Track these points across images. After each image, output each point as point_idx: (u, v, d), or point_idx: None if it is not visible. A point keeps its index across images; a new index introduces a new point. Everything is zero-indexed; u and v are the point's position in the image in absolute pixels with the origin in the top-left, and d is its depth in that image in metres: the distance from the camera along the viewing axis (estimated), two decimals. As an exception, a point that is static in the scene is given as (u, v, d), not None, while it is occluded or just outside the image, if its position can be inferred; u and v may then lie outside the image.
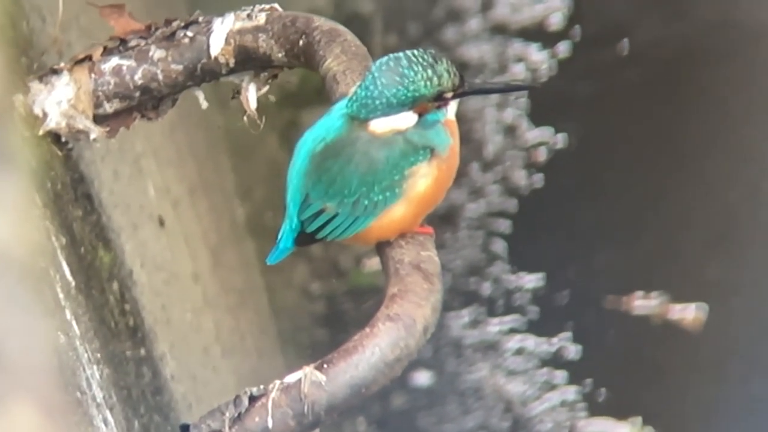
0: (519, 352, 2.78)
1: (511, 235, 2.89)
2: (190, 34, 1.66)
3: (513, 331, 2.80)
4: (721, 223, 2.87)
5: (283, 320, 2.76)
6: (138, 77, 1.65)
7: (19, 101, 1.60)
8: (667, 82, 3.04)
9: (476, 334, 2.80)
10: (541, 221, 2.90)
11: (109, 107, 1.65)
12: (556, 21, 3.13)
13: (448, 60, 1.51)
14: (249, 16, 1.66)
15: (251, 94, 1.67)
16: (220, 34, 1.65)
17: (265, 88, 1.68)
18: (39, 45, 1.68)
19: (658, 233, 2.88)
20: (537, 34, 3.12)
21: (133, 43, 1.67)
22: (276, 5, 1.68)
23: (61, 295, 1.51)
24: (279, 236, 1.55)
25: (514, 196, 2.95)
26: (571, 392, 2.73)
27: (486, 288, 2.85)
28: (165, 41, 1.66)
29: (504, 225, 2.91)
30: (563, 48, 3.10)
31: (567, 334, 2.78)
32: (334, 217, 1.52)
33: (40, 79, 1.63)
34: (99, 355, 1.54)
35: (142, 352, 1.73)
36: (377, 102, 1.49)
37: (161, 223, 2.06)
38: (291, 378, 1.43)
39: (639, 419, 2.67)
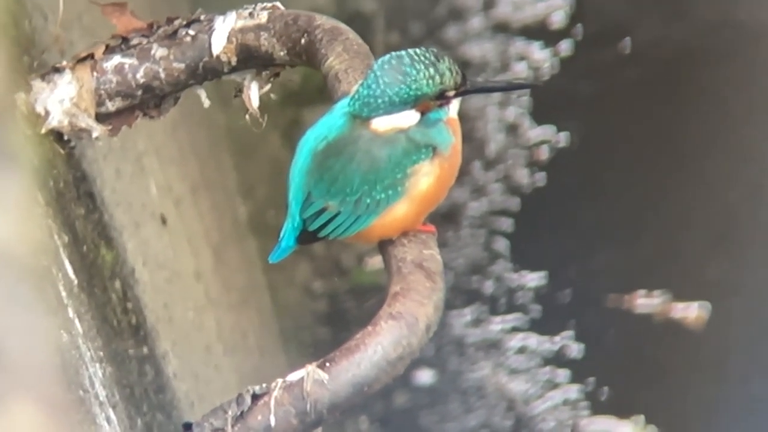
0: (521, 350, 2.78)
1: (514, 234, 2.89)
2: (192, 32, 1.66)
3: (515, 329, 2.80)
4: (722, 223, 2.87)
5: (285, 318, 2.76)
6: (140, 76, 1.65)
7: (21, 100, 1.60)
8: (669, 81, 3.04)
9: (478, 332, 2.80)
10: (543, 220, 2.90)
11: (111, 105, 1.66)
12: (558, 19, 3.13)
13: (450, 58, 1.51)
14: (251, 14, 1.66)
15: (253, 93, 1.67)
16: (222, 33, 1.65)
17: (267, 87, 1.68)
18: (41, 43, 1.68)
19: (660, 232, 2.88)
20: (539, 32, 3.11)
21: (135, 41, 1.67)
22: (278, 3, 1.68)
23: (63, 294, 1.51)
24: (281, 235, 1.55)
25: (516, 194, 2.95)
26: (573, 391, 2.73)
27: (488, 286, 2.85)
28: (167, 40, 1.66)
29: (506, 223, 2.91)
30: (565, 46, 3.09)
31: (569, 333, 2.78)
32: (336, 215, 1.51)
33: (43, 77, 1.63)
34: (101, 353, 1.54)
35: (145, 350, 1.73)
36: (379, 100, 1.49)
37: (163, 221, 2.06)
38: (293, 376, 1.43)
39: (641, 418, 2.67)
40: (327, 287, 2.84)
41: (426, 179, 1.51)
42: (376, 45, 2.99)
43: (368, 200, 1.50)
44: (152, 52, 1.66)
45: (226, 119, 2.76)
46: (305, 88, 2.91)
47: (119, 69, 1.65)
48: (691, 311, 2.75)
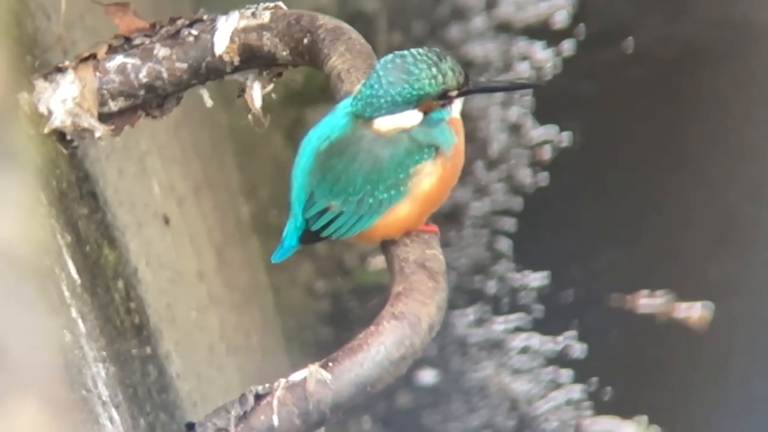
0: (524, 350, 2.78)
1: (516, 234, 2.89)
2: (194, 32, 1.66)
3: (518, 329, 2.80)
4: (725, 222, 2.87)
5: (288, 318, 2.76)
6: (143, 75, 1.65)
7: (24, 99, 1.60)
8: (671, 81, 3.04)
9: (481, 332, 2.80)
10: (546, 220, 2.90)
11: (113, 105, 1.66)
12: (560, 19, 3.13)
13: (452, 58, 1.51)
14: (253, 14, 1.66)
15: (256, 93, 1.67)
16: (225, 33, 1.65)
17: (270, 87, 1.68)
18: (44, 43, 1.69)
19: (662, 232, 2.87)
20: (541, 32, 3.11)
21: (137, 41, 1.67)
22: (281, 3, 1.68)
23: (66, 294, 1.51)
24: (283, 234, 1.54)
25: (518, 194, 2.95)
26: (576, 391, 2.73)
27: (491, 286, 2.85)
28: (169, 39, 1.66)
29: (509, 223, 2.91)
30: (568, 46, 3.09)
31: (572, 333, 2.77)
32: (338, 215, 1.51)
33: (45, 77, 1.63)
34: (104, 353, 1.54)
35: (148, 350, 1.73)
36: (382, 100, 1.49)
37: (166, 221, 2.06)
38: (296, 376, 1.43)
39: (644, 418, 2.67)
40: (330, 287, 2.83)
41: (428, 179, 1.50)
42: (379, 45, 2.99)
43: (371, 200, 1.50)
44: (155, 51, 1.66)
45: (228, 119, 2.76)
46: (308, 88, 2.91)
47: (122, 69, 1.65)
48: (694, 311, 2.75)
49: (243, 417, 1.42)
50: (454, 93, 1.51)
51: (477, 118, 3.01)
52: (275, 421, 1.41)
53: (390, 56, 1.50)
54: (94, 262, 1.63)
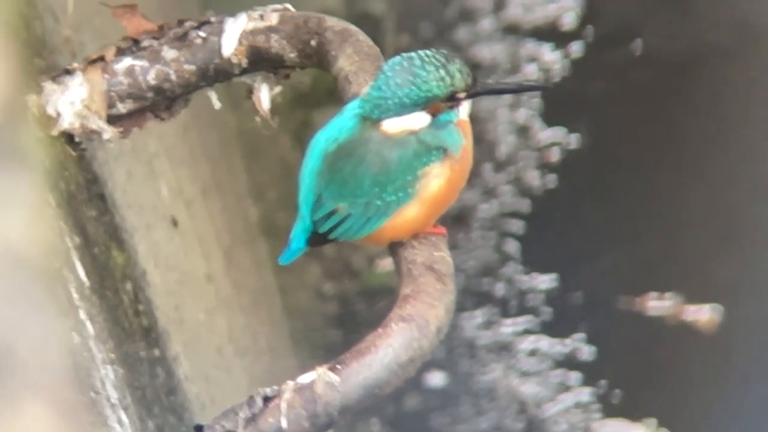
0: (533, 353, 2.77)
1: (524, 236, 2.89)
2: (202, 34, 1.66)
3: (526, 332, 2.80)
4: (733, 225, 2.86)
5: (295, 320, 2.76)
6: (151, 77, 1.66)
7: (32, 101, 1.60)
8: (680, 82, 3.03)
9: (489, 334, 2.80)
10: (554, 222, 2.89)
11: (122, 107, 1.66)
12: (568, 21, 3.12)
13: (460, 60, 1.50)
14: (261, 16, 1.66)
15: (264, 95, 1.67)
16: (233, 35, 1.65)
17: (278, 89, 1.68)
18: (52, 45, 1.69)
19: (670, 234, 2.87)
20: (550, 34, 3.11)
21: (145, 43, 1.67)
22: (288, 5, 1.68)
23: (75, 296, 1.51)
24: (291, 236, 1.54)
25: (526, 196, 2.94)
26: (585, 393, 2.72)
27: (499, 289, 2.84)
28: (177, 41, 1.66)
29: (517, 225, 2.91)
30: (576, 48, 3.09)
31: (581, 335, 2.77)
32: (346, 217, 1.51)
33: (54, 79, 1.63)
34: (113, 355, 1.54)
35: (156, 352, 1.73)
36: (390, 102, 1.49)
37: (174, 223, 2.06)
38: (304, 379, 1.43)
39: (654, 421, 2.66)
40: (337, 289, 2.83)
41: (436, 181, 1.50)
42: (387, 46, 2.99)
43: (379, 202, 1.50)
44: (163, 54, 1.66)
45: (236, 121, 2.76)
46: (315, 89, 2.91)
47: (130, 71, 1.65)
48: (703, 314, 2.74)
49: (251, 419, 1.42)
50: (462, 95, 1.51)
51: (485, 120, 3.01)
52: (283, 424, 1.41)
53: (398, 58, 1.50)
54: (102, 265, 1.63)
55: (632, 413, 2.68)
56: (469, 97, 1.52)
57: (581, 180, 2.96)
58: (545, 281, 2.84)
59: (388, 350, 1.42)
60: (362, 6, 3.09)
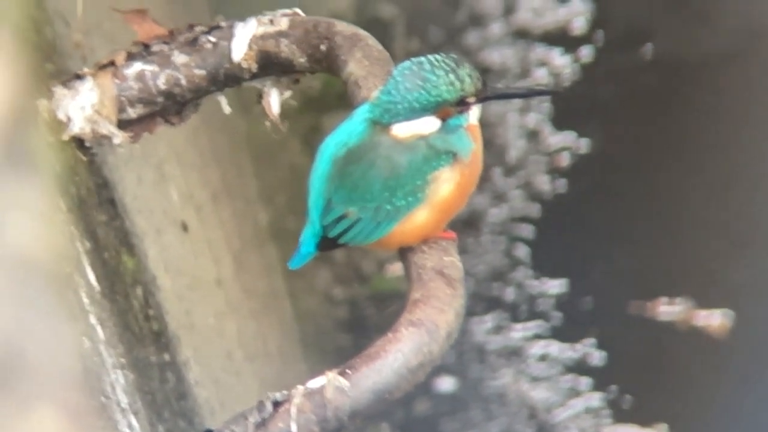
0: (543, 358, 2.76)
1: (534, 241, 2.88)
2: (212, 39, 1.67)
3: (537, 336, 2.79)
4: (744, 229, 2.85)
5: (305, 325, 2.76)
6: (161, 82, 1.66)
7: (43, 106, 1.61)
8: (690, 87, 3.02)
9: (500, 339, 2.79)
10: (564, 226, 2.89)
11: (132, 112, 1.66)
12: (578, 25, 3.12)
13: (470, 64, 1.50)
14: (271, 21, 1.66)
15: (273, 100, 1.67)
16: (243, 40, 1.66)
17: (288, 93, 1.68)
18: (63, 50, 1.69)
19: (681, 238, 2.86)
20: (560, 38, 3.10)
21: (156, 48, 1.67)
22: (298, 10, 1.68)
23: (85, 300, 1.51)
24: (301, 241, 1.54)
25: (536, 201, 2.94)
26: (595, 399, 2.71)
27: (509, 293, 2.84)
28: (188, 46, 1.67)
29: (527, 230, 2.90)
30: (586, 52, 3.08)
31: (591, 340, 2.76)
32: (356, 222, 1.51)
33: (64, 84, 1.64)
34: (123, 360, 1.55)
35: (166, 357, 1.73)
36: (399, 107, 1.49)
37: (184, 228, 2.07)
38: (314, 383, 1.42)
39: (664, 426, 2.65)
40: (347, 294, 2.83)
41: (446, 186, 1.50)
42: (396, 51, 2.99)
43: (388, 207, 1.50)
44: (173, 58, 1.66)
45: (246, 126, 2.76)
46: (325, 94, 2.91)
47: (140, 76, 1.66)
48: (714, 319, 2.73)
49: (261, 424, 1.42)
50: (471, 99, 1.51)
51: (495, 125, 3.01)
52: (293, 429, 1.41)
53: (407, 62, 1.50)
54: (113, 269, 1.63)
55: (643, 419, 2.67)
56: (478, 101, 1.52)
57: (591, 184, 2.95)
58: (555, 286, 2.83)
59: (398, 355, 1.42)
60: (372, 10, 3.10)
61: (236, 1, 2.37)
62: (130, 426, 1.50)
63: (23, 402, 1.26)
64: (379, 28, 2.97)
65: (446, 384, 2.74)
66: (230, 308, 2.24)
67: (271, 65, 1.66)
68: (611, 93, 3.03)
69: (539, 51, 3.10)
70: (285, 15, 1.67)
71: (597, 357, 2.75)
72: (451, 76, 1.49)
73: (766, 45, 3.04)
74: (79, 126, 1.63)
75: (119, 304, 1.61)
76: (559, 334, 2.78)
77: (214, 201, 2.33)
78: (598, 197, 2.92)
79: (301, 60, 1.65)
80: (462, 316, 1.46)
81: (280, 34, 1.65)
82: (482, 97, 1.51)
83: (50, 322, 1.32)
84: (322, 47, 1.64)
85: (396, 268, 2.81)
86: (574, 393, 2.72)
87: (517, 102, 3.01)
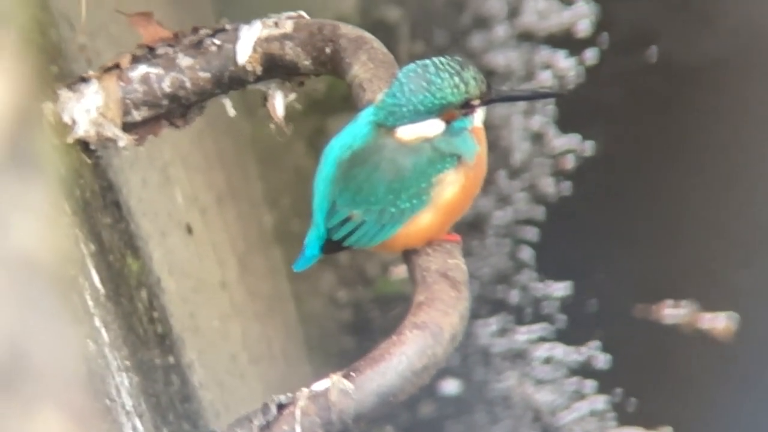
0: (547, 360, 2.76)
1: (539, 243, 2.88)
2: (217, 41, 1.67)
3: (541, 339, 2.79)
4: (749, 232, 2.84)
5: (310, 327, 2.76)
6: (166, 85, 1.66)
7: (48, 109, 1.61)
8: (695, 90, 3.02)
9: (504, 342, 2.79)
10: (568, 229, 2.89)
11: (137, 115, 1.66)
12: (583, 28, 3.12)
13: (474, 67, 1.50)
14: (276, 23, 1.66)
15: (278, 102, 1.68)
16: (247, 42, 1.66)
17: (292, 96, 1.68)
18: (68, 53, 1.70)
19: (686, 241, 2.85)
20: (564, 41, 3.10)
21: (160, 51, 1.67)
22: (303, 13, 1.68)
23: (90, 303, 1.51)
24: (305, 243, 1.54)
25: (541, 203, 2.94)
26: (600, 402, 2.71)
27: (514, 296, 2.84)
28: (192, 49, 1.67)
29: (531, 233, 2.90)
30: (591, 55, 3.08)
31: (596, 343, 2.76)
32: (360, 224, 1.51)
33: (69, 86, 1.64)
34: (128, 362, 1.55)
35: (171, 359, 1.73)
36: (404, 109, 1.49)
37: (189, 230, 2.07)
38: (318, 386, 1.42)
39: (669, 429, 2.65)
40: (352, 296, 2.83)
41: (451, 188, 1.50)
42: (401, 54, 2.99)
43: (393, 209, 1.50)
44: (178, 61, 1.66)
45: (251, 128, 2.77)
46: (330, 97, 2.91)
47: (145, 78, 1.66)
48: (719, 322, 2.73)
49: (266, 427, 1.42)
50: (476, 102, 1.51)
51: (499, 127, 3.01)
52: (298, 431, 1.41)
53: (412, 65, 1.50)
54: (117, 272, 1.63)
55: (648, 421, 2.66)
56: (483, 104, 1.52)
57: (596, 187, 2.95)
58: (560, 289, 2.83)
59: (402, 358, 1.42)
60: (377, 13, 3.10)
61: (241, 4, 2.37)
62: (134, 428, 1.50)
63: (28, 404, 1.26)
64: (383, 31, 2.97)
65: (451, 387, 2.74)
66: (235, 311, 2.24)
67: (275, 68, 1.66)
68: (616, 95, 3.02)
69: (544, 53, 3.10)
70: (290, 18, 1.67)
71: (602, 360, 2.75)
72: (456, 79, 1.49)
73: (767, 46, 3.04)
74: (83, 129, 1.63)
75: (124, 306, 1.62)
76: (564, 336, 2.78)
77: (219, 203, 2.34)
78: (603, 200, 2.92)
79: (306, 63, 1.65)
80: (466, 319, 1.46)
81: (285, 36, 1.65)
82: (487, 100, 1.51)
83: (55, 325, 1.32)
84: (327, 50, 1.64)
85: (400, 271, 2.80)
86: (579, 396, 2.72)
87: (521, 104, 3.01)
